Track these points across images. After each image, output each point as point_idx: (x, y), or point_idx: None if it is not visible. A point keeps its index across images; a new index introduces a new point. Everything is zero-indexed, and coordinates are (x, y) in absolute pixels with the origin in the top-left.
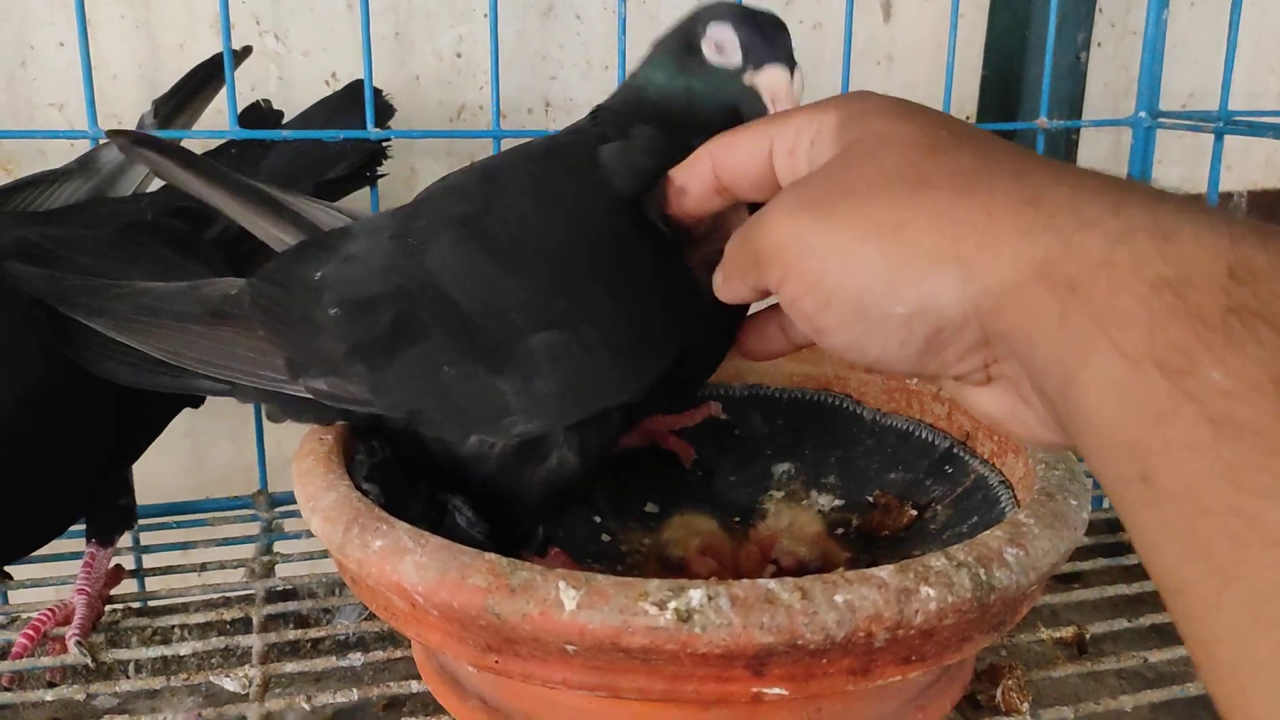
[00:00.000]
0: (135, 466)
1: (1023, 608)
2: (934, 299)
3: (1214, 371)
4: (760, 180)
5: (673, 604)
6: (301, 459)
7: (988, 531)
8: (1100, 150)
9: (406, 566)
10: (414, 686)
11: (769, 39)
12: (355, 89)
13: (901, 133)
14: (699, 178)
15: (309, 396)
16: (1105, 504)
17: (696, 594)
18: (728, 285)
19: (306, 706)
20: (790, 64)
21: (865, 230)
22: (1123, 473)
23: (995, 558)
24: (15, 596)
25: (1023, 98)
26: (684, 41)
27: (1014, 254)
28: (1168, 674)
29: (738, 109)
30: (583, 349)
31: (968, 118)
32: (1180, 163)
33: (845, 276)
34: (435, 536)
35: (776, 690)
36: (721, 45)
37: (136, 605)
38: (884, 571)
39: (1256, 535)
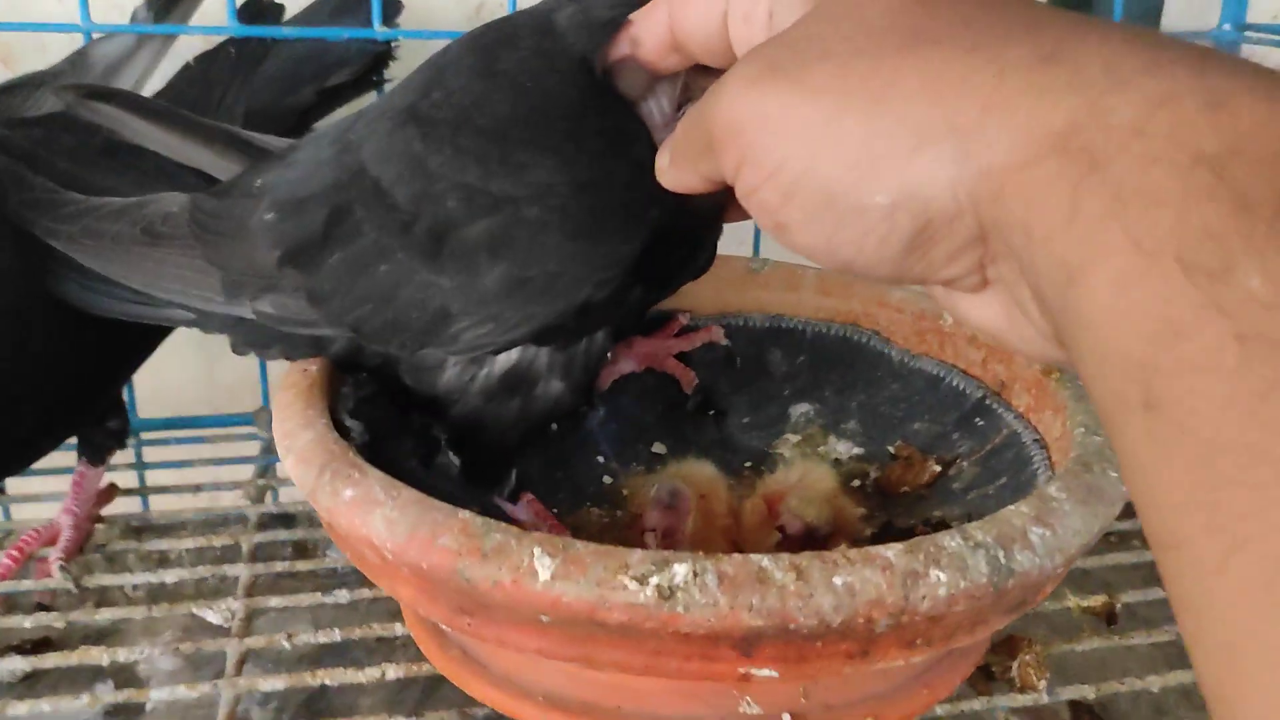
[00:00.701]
0: (144, 378)
1: (1046, 589)
2: (922, 185)
3: (1253, 277)
4: (711, 44)
5: (654, 579)
6: (282, 391)
7: (1011, 507)
8: None
9: (376, 521)
10: (398, 629)
11: None
12: None
13: None
14: (652, 29)
15: (257, 320)
16: None
17: (681, 569)
18: (674, 170)
19: (287, 645)
20: None
21: (841, 99)
22: (1122, 395)
23: (1018, 538)
24: (17, 511)
25: (1095, 7)
26: None
27: (1028, 122)
28: None
29: None
30: (529, 234)
31: None
32: None
33: (814, 159)
34: (408, 489)
35: (766, 671)
36: None
37: (135, 524)
38: (890, 551)
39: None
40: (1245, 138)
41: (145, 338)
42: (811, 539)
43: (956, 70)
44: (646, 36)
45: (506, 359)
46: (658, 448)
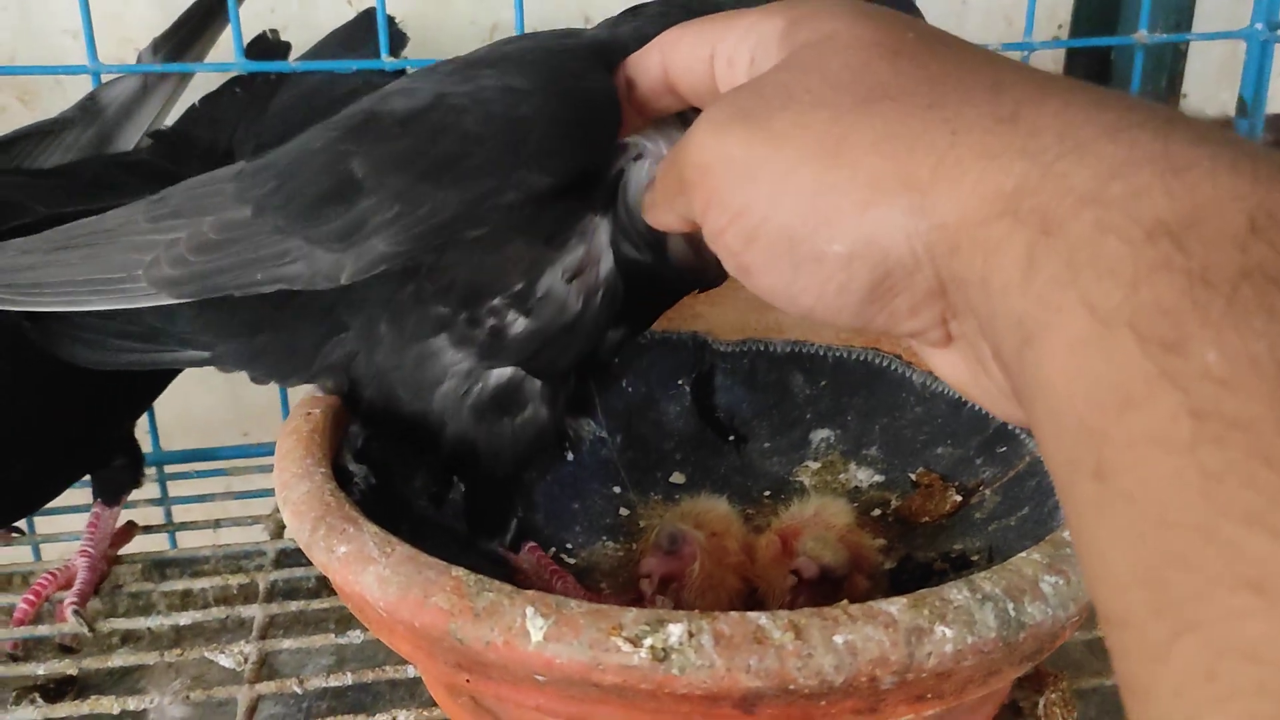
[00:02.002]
0: (169, 408)
1: (1063, 636)
2: (877, 236)
3: (1208, 351)
4: (699, 87)
5: (648, 640)
6: (283, 439)
7: (1023, 554)
8: (1211, 65)
9: (369, 579)
10: (410, 671)
11: None
12: (367, 18)
13: (858, 33)
14: (647, 71)
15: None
16: None
17: (676, 629)
18: (654, 211)
19: (299, 690)
20: None
21: (801, 148)
22: (1074, 461)
23: (1029, 589)
24: (47, 551)
25: (1124, 5)
26: None
27: (978, 182)
28: None
29: None
30: (445, 116)
31: (1060, 28)
32: None
33: (774, 206)
34: (402, 545)
35: None
36: None
37: (157, 562)
38: (894, 606)
39: (1228, 571)
40: (1204, 208)
41: (152, 376)
42: (827, 581)
43: (911, 128)
44: (641, 78)
45: (500, 374)
46: (676, 477)
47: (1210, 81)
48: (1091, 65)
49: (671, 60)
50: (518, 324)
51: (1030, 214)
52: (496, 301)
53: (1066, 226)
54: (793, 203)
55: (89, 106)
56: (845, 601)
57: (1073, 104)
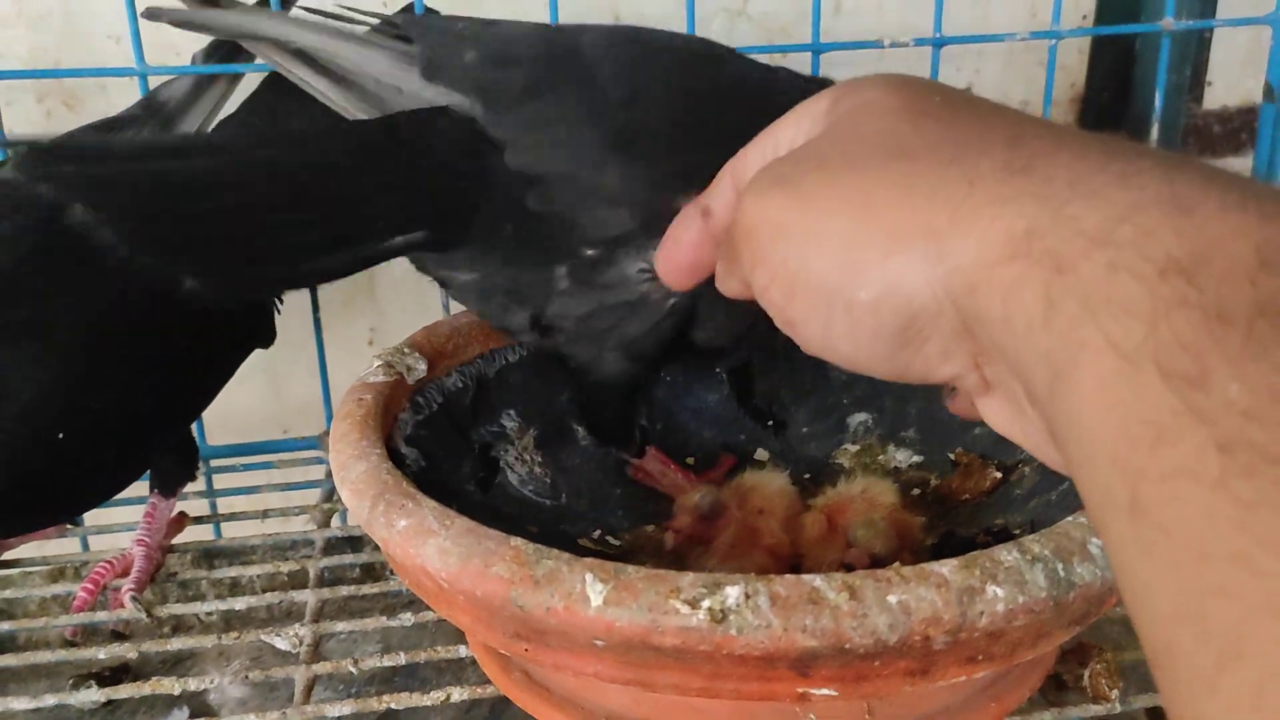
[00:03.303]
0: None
1: (1110, 600)
2: (900, 282)
3: (1231, 385)
4: None
5: (706, 602)
6: (338, 422)
7: (1070, 518)
8: (1236, 52)
9: (430, 550)
10: (461, 651)
11: None
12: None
13: (890, 100)
14: (721, 196)
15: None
16: None
17: (733, 591)
18: (724, 281)
19: (353, 670)
20: None
21: (831, 205)
22: (1110, 496)
23: (1077, 550)
24: (95, 542)
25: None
26: None
27: (990, 226)
28: None
29: None
30: None
31: (1084, 18)
32: None
33: (807, 258)
34: (461, 518)
35: (825, 691)
36: None
37: (207, 551)
38: (946, 567)
39: (1269, 600)
40: (1213, 245)
41: (216, 371)
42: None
43: (931, 181)
44: (717, 206)
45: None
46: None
47: (1235, 69)
48: (1117, 54)
49: (741, 177)
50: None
51: (1043, 255)
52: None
53: (1079, 267)
54: (825, 255)
55: (150, 104)
56: (897, 565)
57: (1085, 155)
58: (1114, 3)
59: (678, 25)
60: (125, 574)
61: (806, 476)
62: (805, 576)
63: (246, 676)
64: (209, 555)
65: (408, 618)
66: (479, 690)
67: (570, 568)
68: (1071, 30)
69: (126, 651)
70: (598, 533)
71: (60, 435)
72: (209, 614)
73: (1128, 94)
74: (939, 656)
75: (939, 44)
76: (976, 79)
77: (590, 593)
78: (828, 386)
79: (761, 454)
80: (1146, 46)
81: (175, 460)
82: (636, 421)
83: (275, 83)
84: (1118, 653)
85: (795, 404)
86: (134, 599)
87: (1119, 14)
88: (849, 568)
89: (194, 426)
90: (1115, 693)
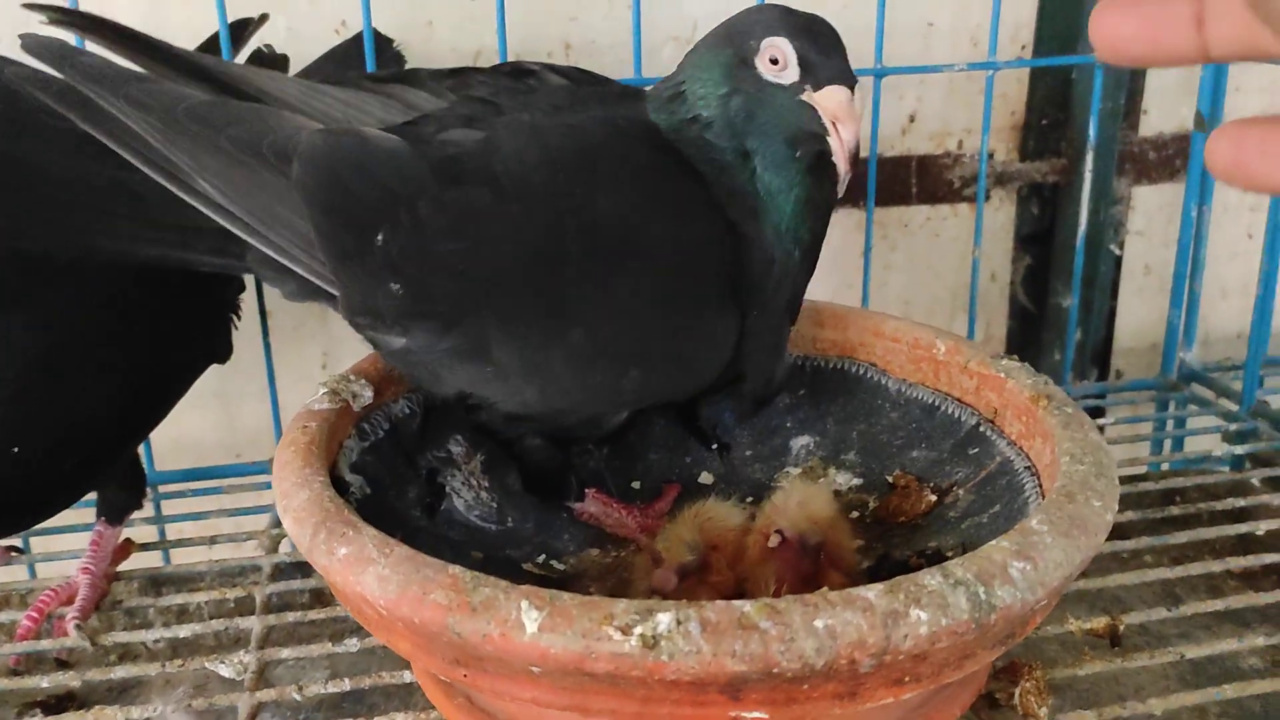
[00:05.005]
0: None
1: (1033, 621)
2: None
3: None
4: None
5: (639, 629)
6: (281, 450)
7: (993, 541)
8: (1170, 81)
9: (369, 578)
10: (407, 677)
11: (826, 53)
12: (361, 39)
13: None
14: None
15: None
16: (1162, 467)
17: (665, 618)
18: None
19: (298, 697)
20: (850, 81)
21: None
22: None
23: (998, 573)
24: (43, 570)
25: (1084, 25)
26: (736, 53)
27: None
28: (1205, 673)
29: (796, 127)
30: None
31: (1023, 49)
32: (1261, 91)
33: None
34: (400, 546)
35: (755, 714)
36: (778, 59)
37: (153, 578)
38: (871, 592)
39: None
40: None
41: (173, 381)
42: (806, 556)
43: None
44: None
45: None
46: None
47: (1170, 97)
48: (1055, 83)
49: None
50: None
51: None
52: None
53: None
54: None
55: None
56: (825, 589)
57: None
58: (1051, 33)
59: (626, 53)
60: (70, 602)
61: (750, 500)
62: (735, 603)
63: (190, 704)
64: (156, 582)
65: (354, 643)
66: (424, 716)
67: (507, 595)
68: (1008, 61)
69: (70, 680)
70: (542, 557)
71: (15, 449)
72: (155, 641)
73: (1066, 121)
74: (866, 679)
75: (880, 74)
76: (920, 106)
77: (525, 620)
78: (771, 409)
79: (706, 477)
80: (1083, 75)
81: (122, 487)
82: (570, 476)
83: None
84: (1048, 670)
85: (740, 427)
86: (78, 627)
87: (1056, 44)
88: (781, 536)
89: (143, 453)
90: (1044, 710)
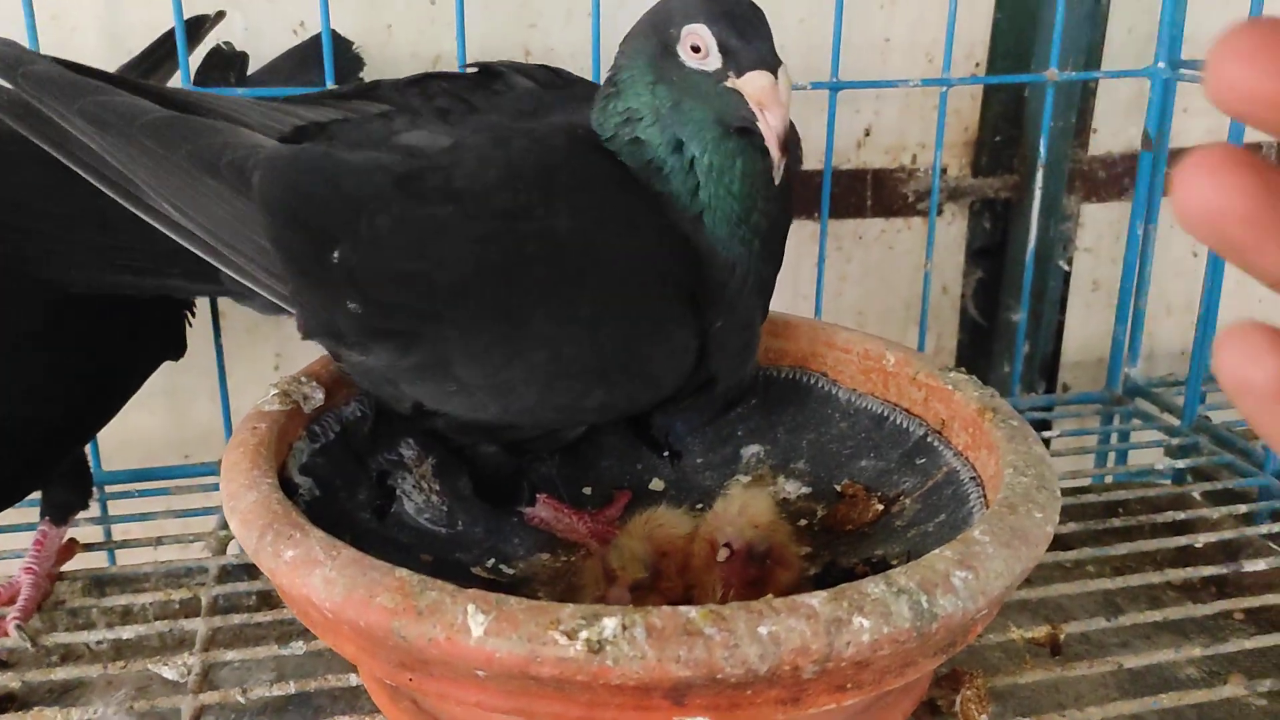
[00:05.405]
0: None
1: (974, 630)
2: None
3: None
4: None
5: (584, 634)
6: (230, 452)
7: (936, 551)
8: (1119, 102)
9: (315, 581)
10: (352, 680)
11: (748, 38)
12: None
13: None
14: None
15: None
16: (1105, 480)
17: (610, 623)
18: None
19: (242, 699)
20: (773, 64)
21: None
22: None
23: (940, 582)
24: None
25: (1037, 44)
26: (659, 42)
27: None
28: (1143, 682)
29: (723, 114)
30: None
31: (977, 66)
32: (1208, 113)
33: None
34: (348, 549)
35: (700, 719)
36: (699, 47)
37: (98, 579)
38: (815, 599)
39: None
40: None
41: (126, 376)
42: (753, 563)
43: None
44: None
45: None
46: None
47: (1119, 117)
48: (1008, 100)
49: None
50: None
51: None
52: None
53: None
54: None
55: None
56: (769, 596)
57: None
58: (1005, 52)
59: (585, 59)
60: (12, 602)
61: (700, 506)
62: (681, 609)
63: (132, 707)
64: (100, 583)
65: (301, 646)
66: (369, 719)
67: (453, 599)
68: (961, 78)
69: (10, 681)
70: (492, 561)
71: None
72: (98, 643)
73: (1018, 138)
74: (809, 685)
75: (835, 88)
76: (875, 121)
77: (472, 624)
78: (723, 420)
79: (657, 484)
80: (1035, 94)
81: (67, 487)
82: (522, 481)
83: None
84: (990, 678)
85: (691, 435)
86: (19, 627)
87: (1010, 62)
88: (729, 548)
89: (89, 453)
90: (984, 717)
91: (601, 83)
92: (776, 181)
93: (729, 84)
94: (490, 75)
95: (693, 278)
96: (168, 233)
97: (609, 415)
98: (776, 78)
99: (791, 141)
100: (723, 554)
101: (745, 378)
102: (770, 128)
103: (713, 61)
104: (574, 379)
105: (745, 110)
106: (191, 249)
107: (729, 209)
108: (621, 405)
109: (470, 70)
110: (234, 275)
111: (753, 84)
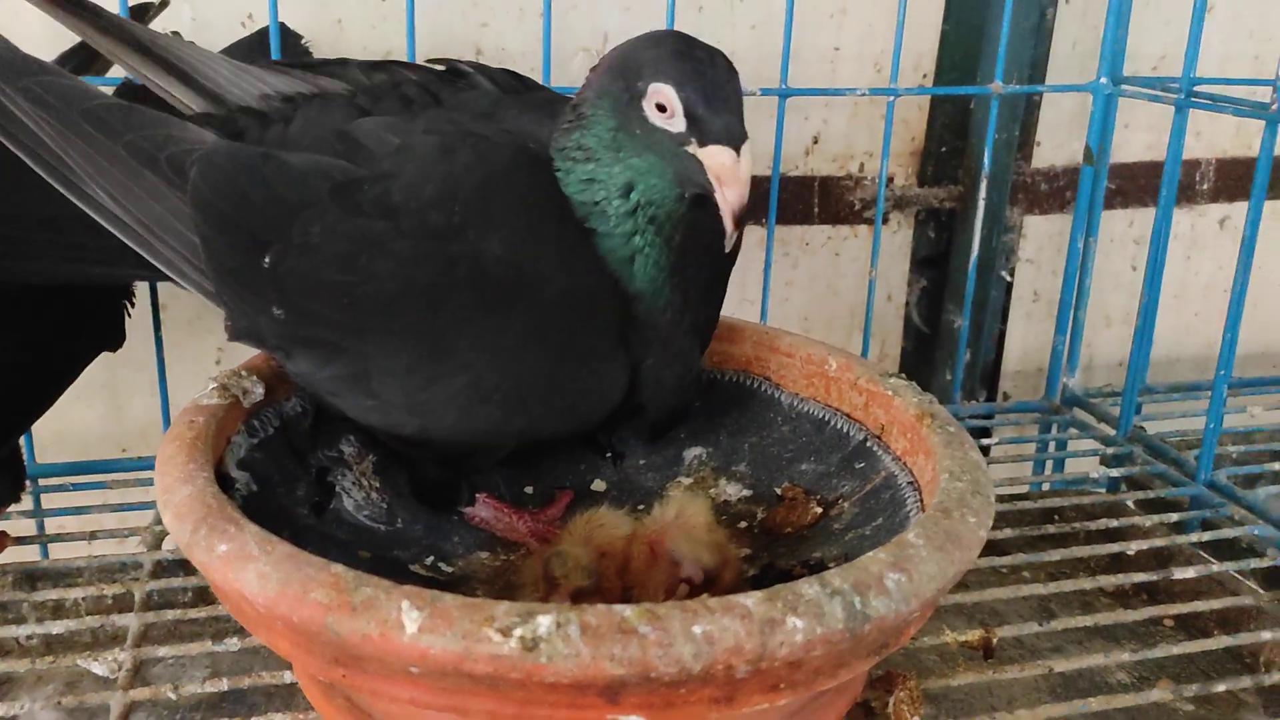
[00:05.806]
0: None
1: (906, 632)
2: None
3: None
4: None
5: (518, 631)
6: (165, 445)
7: (870, 553)
8: (1063, 115)
9: (249, 575)
10: (287, 677)
11: (715, 108)
12: (269, 33)
13: None
14: None
15: None
16: (1042, 487)
17: (545, 620)
18: None
19: (174, 696)
20: (739, 139)
21: None
22: None
23: (874, 584)
24: None
25: (984, 57)
26: (625, 88)
27: None
28: (1074, 686)
29: (678, 177)
30: None
31: (924, 77)
32: (1149, 129)
33: None
34: (282, 544)
35: (633, 718)
36: (665, 107)
37: (29, 573)
38: (750, 599)
39: None
40: None
41: (60, 366)
42: (709, 584)
43: None
44: None
45: None
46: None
47: (1063, 131)
48: (954, 112)
49: None
50: None
51: None
52: None
53: None
54: None
55: None
56: (705, 595)
57: None
58: (952, 63)
59: (536, 61)
60: None
61: (640, 507)
62: (616, 607)
63: (60, 702)
64: (31, 577)
65: (235, 643)
66: (304, 717)
67: (388, 595)
68: (908, 89)
69: None
70: (431, 559)
71: None
72: (28, 637)
73: (964, 150)
74: (742, 684)
75: (784, 95)
76: (824, 129)
77: (406, 620)
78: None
79: (599, 484)
80: (981, 106)
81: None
82: (461, 482)
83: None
84: (923, 680)
85: (634, 436)
86: None
87: (957, 74)
88: (690, 584)
89: (23, 445)
90: (917, 718)
91: (562, 94)
92: (728, 250)
93: (690, 150)
94: (456, 74)
95: (621, 315)
96: (101, 221)
97: (531, 439)
98: (739, 154)
99: (744, 211)
100: (682, 590)
101: (679, 408)
102: (727, 203)
103: (677, 124)
104: (494, 406)
105: (703, 179)
106: (124, 239)
107: (665, 258)
108: (544, 434)
109: (435, 65)
110: (164, 269)
111: (714, 158)
